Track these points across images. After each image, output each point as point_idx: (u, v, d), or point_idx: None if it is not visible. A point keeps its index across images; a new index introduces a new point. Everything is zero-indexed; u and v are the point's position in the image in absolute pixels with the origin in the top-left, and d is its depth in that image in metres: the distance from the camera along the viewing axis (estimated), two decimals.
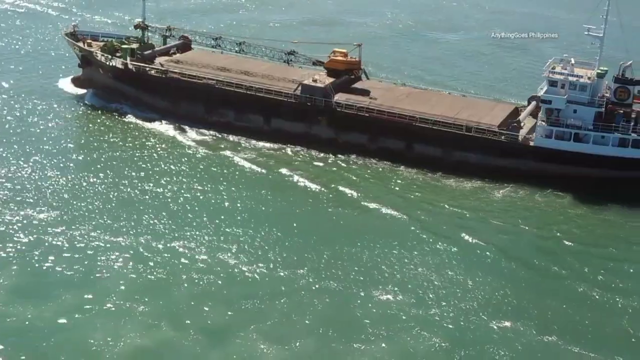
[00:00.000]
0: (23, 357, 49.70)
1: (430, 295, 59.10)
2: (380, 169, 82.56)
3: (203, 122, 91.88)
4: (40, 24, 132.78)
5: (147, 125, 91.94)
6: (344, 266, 62.35)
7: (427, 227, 69.72)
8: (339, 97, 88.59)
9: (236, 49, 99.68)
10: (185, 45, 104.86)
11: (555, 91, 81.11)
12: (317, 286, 59.30)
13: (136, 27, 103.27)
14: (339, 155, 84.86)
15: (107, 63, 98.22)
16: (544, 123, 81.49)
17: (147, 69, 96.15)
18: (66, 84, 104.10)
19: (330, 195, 75.42)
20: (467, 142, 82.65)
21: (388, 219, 71.10)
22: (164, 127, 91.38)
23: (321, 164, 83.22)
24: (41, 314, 53.73)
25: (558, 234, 70.98)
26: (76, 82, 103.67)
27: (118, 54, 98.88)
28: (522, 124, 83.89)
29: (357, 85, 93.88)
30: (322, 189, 76.53)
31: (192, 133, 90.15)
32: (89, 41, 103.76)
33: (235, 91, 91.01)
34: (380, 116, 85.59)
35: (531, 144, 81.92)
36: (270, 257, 62.83)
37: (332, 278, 60.49)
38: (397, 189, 78.23)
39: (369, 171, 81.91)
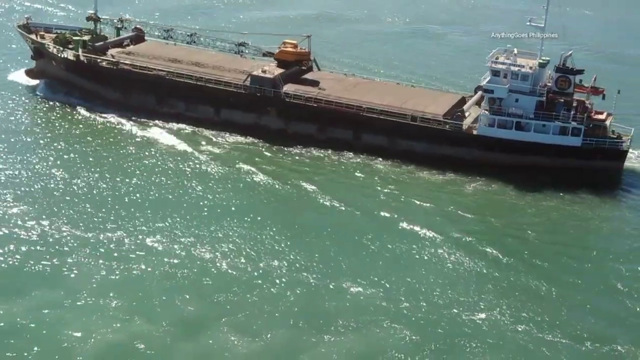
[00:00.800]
0: None
1: (400, 289, 59.75)
2: (330, 160, 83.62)
3: (154, 113, 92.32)
4: None
5: (98, 117, 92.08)
6: (313, 260, 62.94)
7: (386, 219, 70.66)
8: (288, 88, 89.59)
9: (187, 40, 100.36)
10: (138, 37, 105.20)
11: (498, 81, 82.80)
12: (287, 279, 59.86)
13: (88, 19, 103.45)
14: (289, 147, 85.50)
15: (59, 55, 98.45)
16: (487, 112, 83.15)
17: (99, 60, 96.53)
18: (19, 76, 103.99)
19: (288, 188, 75.96)
20: (412, 131, 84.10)
21: (344, 211, 71.63)
22: (115, 119, 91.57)
23: (270, 155, 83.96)
24: (11, 310, 53.91)
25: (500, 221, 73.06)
26: (30, 74, 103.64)
27: (70, 46, 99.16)
28: (466, 113, 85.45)
29: (308, 76, 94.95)
30: (279, 181, 76.98)
31: (143, 124, 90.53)
32: (42, 33, 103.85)
33: (185, 82, 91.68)
34: (328, 106, 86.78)
35: (474, 132, 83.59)
36: (241, 251, 63.48)
37: (302, 271, 61.21)
38: (346, 179, 79.34)
39: (319, 162, 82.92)
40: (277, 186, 76.38)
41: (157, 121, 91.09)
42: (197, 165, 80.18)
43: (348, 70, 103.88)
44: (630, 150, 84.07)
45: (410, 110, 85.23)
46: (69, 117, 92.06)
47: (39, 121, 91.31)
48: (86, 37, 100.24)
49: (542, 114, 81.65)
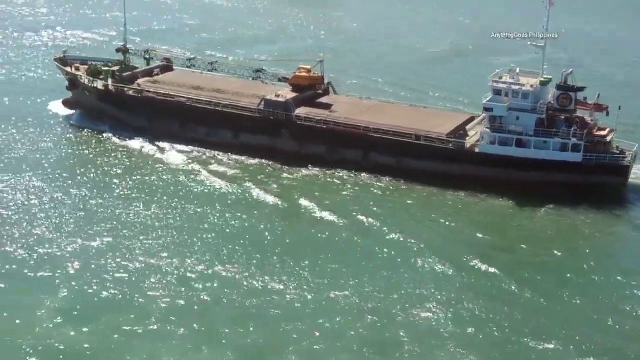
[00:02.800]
0: None
1: (463, 313, 60.64)
2: (343, 179, 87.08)
3: (178, 138, 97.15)
4: (35, 51, 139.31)
5: (125, 143, 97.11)
6: (373, 288, 63.90)
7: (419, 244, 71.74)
8: (301, 111, 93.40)
9: (209, 68, 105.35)
10: (166, 67, 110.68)
11: (498, 99, 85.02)
12: (350, 307, 60.88)
13: (117, 50, 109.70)
14: (301, 167, 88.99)
15: (91, 85, 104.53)
16: (488, 130, 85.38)
17: (125, 89, 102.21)
18: (57, 106, 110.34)
19: (332, 216, 77.37)
20: (417, 150, 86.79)
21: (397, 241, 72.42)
22: (141, 144, 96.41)
23: (289, 176, 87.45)
24: (81, 334, 56.28)
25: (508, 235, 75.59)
26: (66, 104, 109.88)
27: (101, 77, 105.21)
28: (471, 132, 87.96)
29: (323, 99, 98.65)
30: (336, 213, 77.62)
31: (168, 150, 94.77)
32: (76, 65, 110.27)
33: (205, 108, 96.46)
34: (336, 128, 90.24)
35: (477, 150, 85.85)
36: (302, 280, 64.72)
37: (365, 299, 62.02)
38: (366, 201, 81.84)
39: (334, 182, 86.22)
40: (325, 216, 77.47)
41: (180, 146, 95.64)
42: (231, 192, 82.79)
43: (369, 94, 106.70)
44: (636, 165, 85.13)
45: (415, 129, 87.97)
46: (99, 144, 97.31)
47: (72, 149, 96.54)
48: (115, 68, 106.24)
49: (543, 131, 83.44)
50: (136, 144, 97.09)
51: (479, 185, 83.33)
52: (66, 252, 68.41)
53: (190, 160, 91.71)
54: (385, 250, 70.22)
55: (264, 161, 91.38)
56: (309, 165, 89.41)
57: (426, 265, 67.65)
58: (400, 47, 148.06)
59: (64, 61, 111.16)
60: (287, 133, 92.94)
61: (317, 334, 57.31)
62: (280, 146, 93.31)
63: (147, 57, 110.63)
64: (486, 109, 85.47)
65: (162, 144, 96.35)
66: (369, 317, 59.64)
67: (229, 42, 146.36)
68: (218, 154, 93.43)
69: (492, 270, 67.32)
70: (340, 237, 72.98)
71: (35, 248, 68.85)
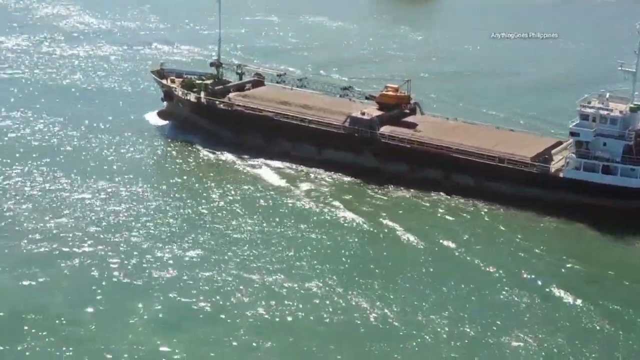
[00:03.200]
0: None
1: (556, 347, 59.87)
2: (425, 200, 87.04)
3: (263, 151, 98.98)
4: (133, 64, 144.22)
5: (215, 155, 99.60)
6: (449, 311, 63.83)
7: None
8: (385, 129, 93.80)
9: (298, 84, 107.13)
10: (258, 82, 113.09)
11: (586, 124, 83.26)
12: (441, 331, 60.84)
13: (211, 65, 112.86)
14: (385, 186, 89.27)
15: (184, 98, 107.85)
16: (573, 155, 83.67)
17: (217, 102, 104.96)
18: (152, 117, 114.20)
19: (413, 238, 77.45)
20: (500, 173, 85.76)
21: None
22: (229, 157, 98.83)
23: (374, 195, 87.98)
24: (172, 345, 57.62)
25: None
26: (161, 115, 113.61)
27: (194, 90, 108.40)
28: (557, 156, 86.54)
29: (408, 119, 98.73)
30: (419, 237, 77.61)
31: (255, 163, 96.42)
32: (172, 78, 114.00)
33: (290, 122, 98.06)
34: (419, 147, 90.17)
35: (561, 175, 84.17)
36: (388, 300, 65.08)
37: (457, 323, 61.97)
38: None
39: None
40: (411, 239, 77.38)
41: (266, 160, 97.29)
42: (317, 210, 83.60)
43: (457, 115, 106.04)
44: None
45: (499, 152, 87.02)
46: (189, 154, 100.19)
47: (164, 159, 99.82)
48: (208, 82, 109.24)
49: (630, 158, 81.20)
50: (224, 156, 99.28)
51: (563, 211, 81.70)
52: (161, 261, 70.21)
53: (277, 175, 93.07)
54: (470, 276, 69.61)
55: (346, 178, 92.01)
56: (391, 185, 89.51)
57: (515, 295, 66.65)
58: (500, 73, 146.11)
59: (160, 73, 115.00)
60: (370, 150, 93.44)
61: (402, 355, 57.35)
62: (362, 163, 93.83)
63: (239, 72, 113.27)
64: (572, 134, 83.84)
65: (248, 157, 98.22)
66: (453, 342, 59.35)
67: (324, 60, 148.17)
68: (302, 169, 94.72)
69: (579, 302, 65.96)
70: (425, 260, 72.78)
71: (132, 255, 70.85)
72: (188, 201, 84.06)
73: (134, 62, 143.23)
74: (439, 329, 61.08)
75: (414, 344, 58.97)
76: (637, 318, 64.15)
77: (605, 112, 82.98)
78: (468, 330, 61.06)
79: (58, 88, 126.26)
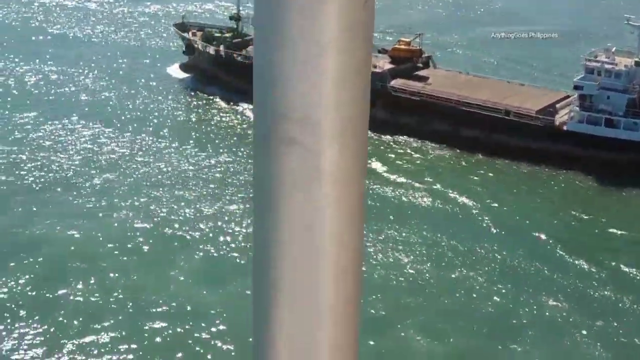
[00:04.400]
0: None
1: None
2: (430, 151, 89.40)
3: None
4: (155, 18, 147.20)
5: (232, 106, 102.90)
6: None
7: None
8: (396, 82, 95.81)
9: None
10: None
11: (590, 78, 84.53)
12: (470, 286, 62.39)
13: (231, 18, 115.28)
14: (395, 136, 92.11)
15: (204, 50, 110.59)
16: (577, 108, 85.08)
17: (234, 55, 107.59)
18: (174, 70, 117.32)
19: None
20: (506, 126, 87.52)
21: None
22: (246, 110, 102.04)
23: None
24: (210, 297, 58.81)
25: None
26: (184, 67, 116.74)
27: (214, 43, 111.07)
28: (559, 110, 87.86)
29: (421, 72, 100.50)
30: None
31: None
32: (194, 31, 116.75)
33: None
34: (427, 99, 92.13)
35: (565, 128, 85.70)
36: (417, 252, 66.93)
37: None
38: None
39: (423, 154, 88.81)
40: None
41: None
42: None
43: (474, 70, 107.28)
44: None
45: (505, 105, 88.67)
46: (209, 106, 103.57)
47: (186, 110, 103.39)
48: (228, 35, 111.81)
49: (634, 112, 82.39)
50: (241, 107, 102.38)
51: (563, 163, 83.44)
52: (201, 214, 71.71)
53: None
54: (499, 230, 70.99)
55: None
56: (401, 136, 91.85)
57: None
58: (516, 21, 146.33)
59: (182, 27, 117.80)
60: (381, 103, 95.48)
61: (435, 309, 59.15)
62: (374, 115, 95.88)
63: None
64: (576, 87, 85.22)
65: None
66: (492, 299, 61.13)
67: None
68: None
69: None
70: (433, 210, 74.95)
71: (175, 209, 72.53)
72: (217, 156, 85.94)
73: (154, 17, 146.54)
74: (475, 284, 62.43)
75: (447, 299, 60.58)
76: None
77: (610, 66, 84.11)
78: (505, 290, 61.96)
79: (91, 43, 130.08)
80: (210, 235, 68.39)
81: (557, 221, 73.91)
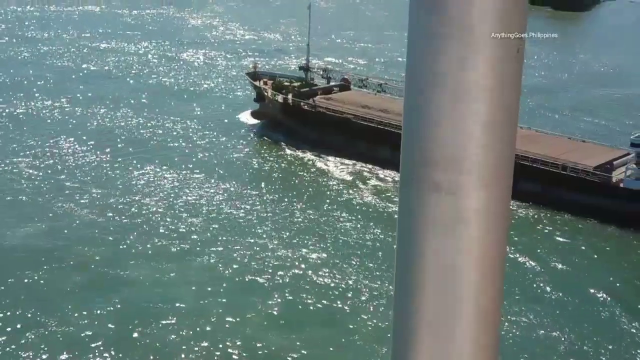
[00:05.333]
0: None
1: None
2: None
3: (343, 151, 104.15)
4: (227, 68, 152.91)
5: (297, 153, 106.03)
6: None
7: None
8: None
9: (377, 89, 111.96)
10: (344, 86, 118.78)
11: None
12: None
13: (300, 68, 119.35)
14: None
15: (274, 99, 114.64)
16: (634, 166, 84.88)
17: (302, 103, 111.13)
18: (245, 116, 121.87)
19: None
20: (563, 181, 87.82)
21: None
22: (310, 155, 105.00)
23: None
24: (286, 343, 59.25)
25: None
26: (254, 114, 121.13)
27: (283, 92, 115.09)
28: (617, 167, 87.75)
29: None
30: None
31: (335, 161, 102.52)
32: (265, 80, 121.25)
33: (367, 125, 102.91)
34: None
35: (621, 185, 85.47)
36: None
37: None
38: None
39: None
40: None
41: (344, 159, 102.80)
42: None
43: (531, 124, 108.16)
44: None
45: (563, 160, 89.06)
46: (274, 152, 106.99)
47: (254, 156, 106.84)
48: (296, 84, 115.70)
49: None
50: (308, 155, 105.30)
51: (620, 220, 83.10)
52: (280, 261, 72.93)
53: (352, 175, 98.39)
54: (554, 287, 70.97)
55: None
56: None
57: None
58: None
59: (254, 75, 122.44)
60: None
61: None
62: None
63: (326, 76, 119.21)
64: (633, 145, 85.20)
65: (329, 156, 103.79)
66: None
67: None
68: (374, 169, 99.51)
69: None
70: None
71: (250, 254, 73.83)
72: (294, 203, 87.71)
73: (227, 66, 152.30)
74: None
75: None
76: None
77: None
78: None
79: (174, 90, 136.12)
80: (289, 282, 68.84)
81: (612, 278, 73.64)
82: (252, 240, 76.77)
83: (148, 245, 74.73)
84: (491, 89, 2.88)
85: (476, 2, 2.82)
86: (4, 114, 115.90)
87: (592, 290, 69.87)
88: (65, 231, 75.85)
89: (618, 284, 72.42)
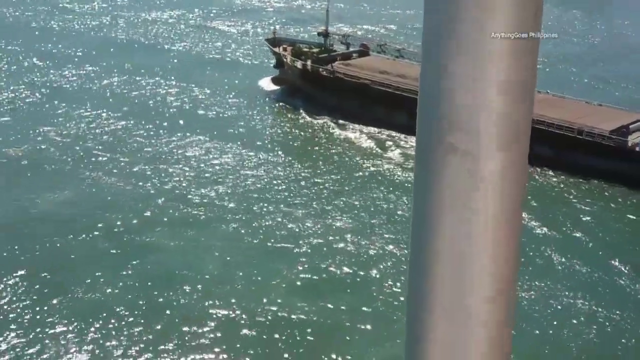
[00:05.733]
0: None
1: None
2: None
3: (361, 117, 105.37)
4: (246, 34, 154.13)
5: (314, 119, 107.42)
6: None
7: None
8: None
9: (396, 54, 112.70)
10: (363, 52, 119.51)
11: None
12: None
13: (319, 34, 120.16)
14: None
15: (293, 65, 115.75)
16: None
17: (320, 70, 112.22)
18: (266, 83, 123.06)
19: None
20: (578, 145, 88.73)
21: None
22: (327, 121, 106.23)
23: None
24: (309, 309, 60.05)
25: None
26: (274, 81, 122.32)
27: (302, 57, 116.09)
28: (632, 131, 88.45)
29: None
30: None
31: (354, 128, 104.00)
32: (284, 46, 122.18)
33: (384, 90, 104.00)
34: None
35: (637, 149, 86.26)
36: None
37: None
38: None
39: None
40: None
41: (362, 126, 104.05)
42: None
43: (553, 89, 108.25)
44: None
45: (580, 124, 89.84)
46: (293, 118, 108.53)
47: (272, 121, 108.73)
48: (315, 50, 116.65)
49: None
50: (324, 119, 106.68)
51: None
52: (305, 228, 74.04)
53: (369, 140, 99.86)
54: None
55: None
56: None
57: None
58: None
59: (273, 42, 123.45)
60: None
61: None
62: None
63: (345, 41, 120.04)
64: None
65: (346, 122, 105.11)
66: None
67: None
68: (393, 134, 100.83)
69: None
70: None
71: (277, 222, 75.05)
72: (309, 170, 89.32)
73: (246, 33, 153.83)
74: None
75: None
76: None
77: None
78: None
79: (200, 58, 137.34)
80: (314, 249, 69.91)
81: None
82: (272, 208, 78.17)
83: (175, 213, 76.22)
84: (506, 52, 2.92)
85: None
86: (36, 83, 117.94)
87: (608, 256, 71.02)
88: (92, 198, 78.30)
89: (635, 248, 73.78)
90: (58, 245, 68.35)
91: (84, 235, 70.36)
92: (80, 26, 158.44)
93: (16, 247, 66.96)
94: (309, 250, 70.23)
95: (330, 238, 72.24)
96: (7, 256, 65.49)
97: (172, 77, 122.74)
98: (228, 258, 68.40)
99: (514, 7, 2.84)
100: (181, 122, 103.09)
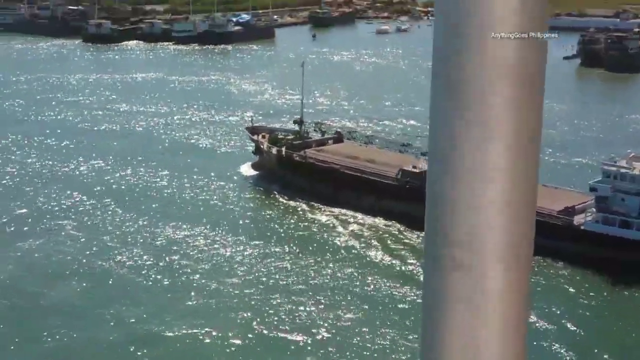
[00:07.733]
0: None
1: None
2: None
3: (331, 200, 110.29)
4: (229, 125, 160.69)
5: (288, 202, 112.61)
6: None
7: None
8: None
9: (365, 140, 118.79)
10: (337, 139, 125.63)
11: (606, 181, 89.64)
12: None
13: (294, 122, 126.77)
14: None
15: (269, 151, 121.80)
16: (594, 209, 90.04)
17: (294, 155, 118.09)
18: (245, 168, 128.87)
19: None
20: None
21: None
22: (299, 205, 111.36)
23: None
24: None
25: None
26: (254, 166, 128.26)
27: (278, 144, 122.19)
28: (577, 211, 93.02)
29: None
30: None
31: (322, 210, 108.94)
32: (263, 134, 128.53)
33: (352, 174, 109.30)
34: None
35: (582, 228, 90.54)
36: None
37: None
38: None
39: None
40: None
41: (333, 207, 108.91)
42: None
43: None
44: None
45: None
46: (269, 202, 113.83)
47: (248, 204, 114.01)
48: (290, 137, 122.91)
49: None
50: (297, 203, 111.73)
51: (580, 261, 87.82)
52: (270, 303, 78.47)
53: (339, 222, 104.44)
54: None
55: (398, 225, 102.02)
56: None
57: None
58: None
59: (253, 130, 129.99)
60: (420, 201, 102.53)
61: None
62: (414, 213, 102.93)
63: (319, 129, 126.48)
64: (592, 189, 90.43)
65: (319, 204, 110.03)
66: None
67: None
68: (359, 217, 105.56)
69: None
70: None
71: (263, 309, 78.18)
72: (277, 249, 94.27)
73: (228, 123, 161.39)
74: None
75: None
76: None
77: (625, 171, 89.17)
78: None
79: (179, 146, 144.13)
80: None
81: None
82: (248, 290, 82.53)
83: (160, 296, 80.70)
84: (506, 173, 3.09)
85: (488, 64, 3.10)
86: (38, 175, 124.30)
87: (548, 328, 74.60)
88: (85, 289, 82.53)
89: (569, 321, 77.20)
90: (69, 334, 72.17)
91: (93, 325, 74.29)
92: (74, 120, 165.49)
93: None
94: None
95: (297, 313, 76.75)
96: None
97: (163, 165, 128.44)
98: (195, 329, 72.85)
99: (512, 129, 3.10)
100: (168, 209, 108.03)
